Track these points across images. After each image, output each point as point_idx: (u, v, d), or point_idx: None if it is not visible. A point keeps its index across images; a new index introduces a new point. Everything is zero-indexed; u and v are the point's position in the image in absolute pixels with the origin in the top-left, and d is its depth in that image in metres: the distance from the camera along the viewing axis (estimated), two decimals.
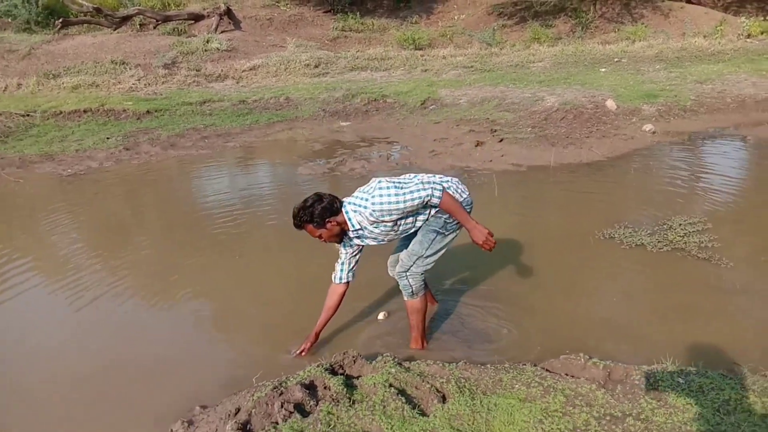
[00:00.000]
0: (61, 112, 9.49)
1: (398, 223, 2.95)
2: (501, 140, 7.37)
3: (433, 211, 2.99)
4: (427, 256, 3.07)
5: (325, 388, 2.75)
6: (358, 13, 16.13)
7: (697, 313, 3.53)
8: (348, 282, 3.22)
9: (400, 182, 2.91)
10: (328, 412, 2.55)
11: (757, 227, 4.76)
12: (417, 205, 2.84)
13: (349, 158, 7.05)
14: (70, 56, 12.51)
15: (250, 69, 12.34)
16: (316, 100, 10.07)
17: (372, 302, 3.77)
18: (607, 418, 2.48)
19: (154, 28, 14.61)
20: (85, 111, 9.59)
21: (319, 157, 7.27)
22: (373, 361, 2.93)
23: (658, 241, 4.37)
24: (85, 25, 14.70)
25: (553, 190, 5.85)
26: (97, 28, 14.55)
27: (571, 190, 5.76)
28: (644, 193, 5.59)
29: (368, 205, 2.85)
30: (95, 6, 14.33)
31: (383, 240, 3.06)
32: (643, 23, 14.66)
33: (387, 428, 2.45)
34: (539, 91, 9.39)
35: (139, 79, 11.45)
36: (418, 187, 2.83)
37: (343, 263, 3.18)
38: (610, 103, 8.38)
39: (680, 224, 4.62)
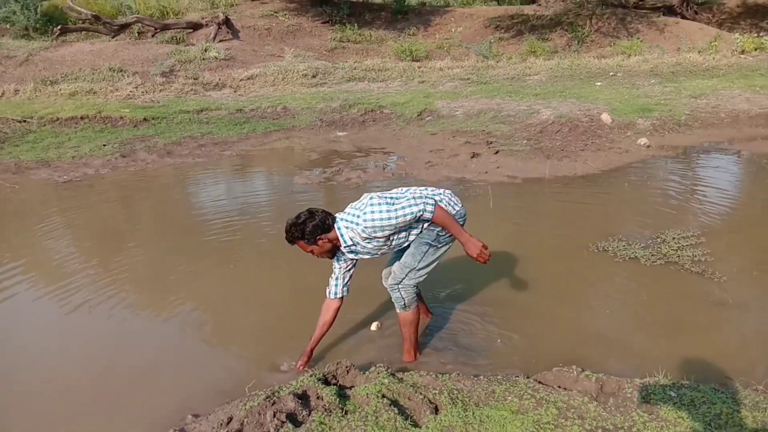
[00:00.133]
0: (58, 119, 9.49)
1: (391, 238, 2.96)
2: (497, 152, 7.41)
3: (426, 225, 2.99)
4: (420, 269, 3.07)
5: (317, 398, 2.75)
6: (356, 24, 16.22)
7: (689, 326, 3.55)
8: (342, 297, 3.21)
9: (392, 198, 2.91)
10: (321, 423, 2.55)
11: (750, 242, 4.79)
12: (409, 220, 2.84)
13: (345, 168, 7.07)
14: (68, 63, 12.53)
15: (248, 78, 12.37)
16: (313, 110, 10.10)
17: (365, 313, 3.77)
18: (599, 431, 2.48)
19: (153, 36, 14.65)
20: (82, 118, 9.59)
21: (316, 166, 7.29)
22: (366, 372, 2.93)
23: (652, 255, 4.39)
24: (84, 32, 14.70)
25: (547, 203, 5.88)
26: (96, 36, 14.58)
27: (566, 203, 5.79)
28: (638, 206, 5.62)
29: (360, 222, 2.85)
30: (94, 14, 14.37)
31: (376, 254, 3.06)
32: (638, 38, 14.80)
33: None
34: (535, 103, 9.45)
35: (136, 87, 11.46)
36: (410, 202, 2.82)
37: (337, 278, 3.17)
38: (605, 117, 8.44)
39: (674, 238, 4.65)
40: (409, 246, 3.08)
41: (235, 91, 11.80)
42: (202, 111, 10.15)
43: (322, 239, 2.92)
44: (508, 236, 4.97)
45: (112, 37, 14.38)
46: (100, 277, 4.49)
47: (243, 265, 4.66)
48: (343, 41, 15.57)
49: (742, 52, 13.38)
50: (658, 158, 7.19)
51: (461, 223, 3.04)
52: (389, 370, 2.91)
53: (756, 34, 14.29)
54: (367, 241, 2.92)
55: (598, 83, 11.13)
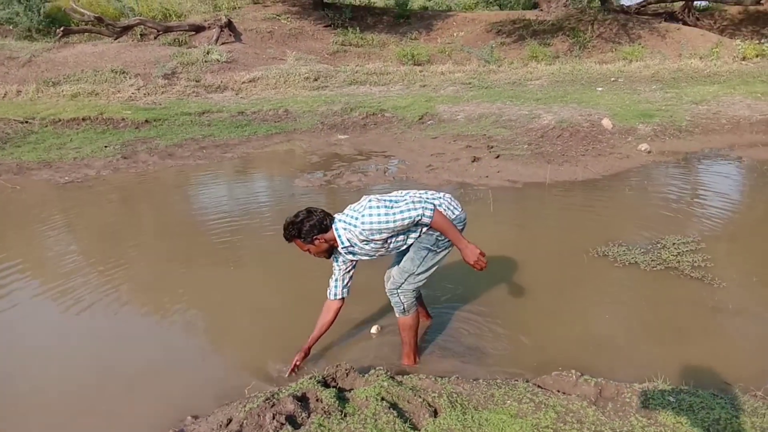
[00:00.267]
0: (59, 120, 9.52)
1: (389, 241, 2.95)
2: (497, 156, 7.42)
3: (425, 229, 2.98)
4: (419, 273, 3.07)
5: (317, 400, 2.75)
6: (358, 28, 16.25)
7: (689, 332, 3.55)
8: (343, 298, 3.21)
9: (391, 201, 2.90)
10: (320, 425, 2.55)
11: (750, 248, 4.80)
12: (407, 224, 2.84)
13: (346, 171, 7.08)
14: (71, 64, 12.56)
15: (250, 81, 12.40)
16: (315, 113, 10.12)
17: (365, 315, 3.78)
18: None
19: (155, 38, 14.68)
20: (83, 119, 9.62)
21: (317, 169, 7.31)
22: (366, 374, 2.93)
23: (652, 260, 4.39)
24: (86, 34, 14.75)
25: (548, 207, 5.89)
26: (98, 38, 14.61)
27: (566, 208, 5.80)
28: (639, 211, 5.63)
29: (358, 224, 2.85)
30: (97, 15, 14.40)
31: (374, 256, 3.05)
32: (640, 44, 14.82)
33: None
34: (536, 108, 9.47)
35: (138, 89, 11.49)
36: (408, 206, 2.82)
37: (336, 280, 3.18)
38: (606, 122, 8.45)
39: (674, 243, 4.65)
40: (408, 249, 3.08)
41: (236, 94, 11.83)
42: (203, 113, 10.18)
43: (318, 239, 2.93)
44: (508, 240, 4.98)
45: (115, 39, 14.41)
46: (99, 278, 4.49)
47: (243, 267, 4.67)
48: (345, 45, 15.60)
49: (744, 58, 13.40)
50: (659, 164, 7.20)
51: (461, 227, 3.04)
52: (389, 373, 2.91)
53: (757, 41, 14.32)
54: (365, 243, 2.92)
55: (600, 88, 11.15)
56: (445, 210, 2.97)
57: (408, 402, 2.71)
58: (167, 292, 4.25)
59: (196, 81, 12.13)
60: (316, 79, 12.58)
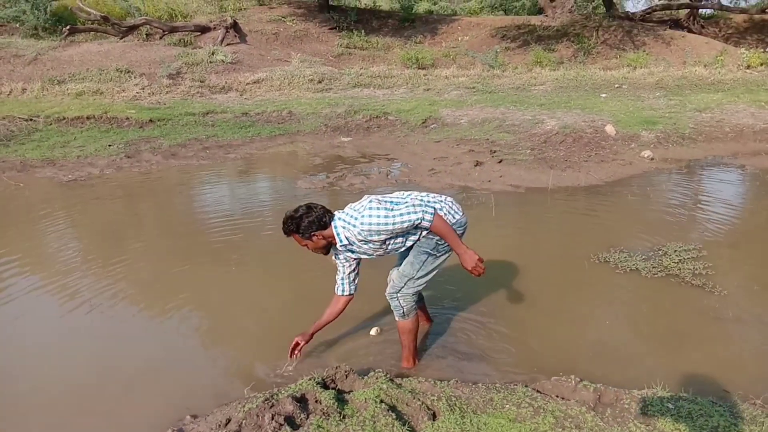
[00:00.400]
0: (64, 118, 9.55)
1: (387, 242, 2.95)
2: (500, 161, 7.42)
3: (424, 232, 2.97)
4: (418, 278, 3.06)
5: (316, 401, 2.75)
6: (363, 30, 16.30)
7: (689, 339, 3.55)
8: (352, 294, 3.20)
9: (391, 203, 2.90)
10: (318, 426, 2.55)
11: (752, 255, 4.79)
12: (406, 227, 2.83)
13: (348, 173, 7.10)
14: (76, 63, 12.61)
15: (254, 82, 12.44)
16: (319, 115, 10.14)
17: (365, 317, 3.78)
18: None
19: (161, 38, 14.74)
20: (88, 118, 9.65)
21: (320, 171, 7.32)
22: (365, 377, 2.93)
23: (653, 267, 4.39)
24: (92, 33, 14.81)
25: (550, 213, 5.88)
26: (104, 37, 14.67)
27: (568, 213, 5.80)
28: (640, 218, 5.63)
29: (357, 224, 2.85)
30: (103, 15, 14.47)
31: (372, 255, 3.05)
32: (644, 51, 14.83)
33: None
34: (540, 114, 9.48)
35: (143, 88, 11.53)
36: (408, 209, 2.81)
37: (342, 277, 3.16)
38: (610, 129, 8.45)
39: (675, 250, 4.65)
40: (407, 251, 3.08)
41: (241, 95, 11.86)
42: (207, 113, 10.21)
43: (317, 236, 2.93)
44: (509, 245, 4.98)
45: (120, 39, 14.47)
46: (100, 276, 4.50)
47: (244, 267, 4.67)
48: (349, 47, 15.65)
49: (748, 67, 13.41)
50: (662, 171, 7.20)
51: (462, 231, 3.04)
52: (388, 376, 2.92)
53: (762, 50, 14.33)
54: (363, 242, 2.92)
55: (603, 95, 11.16)
56: (445, 214, 2.96)
57: (407, 405, 2.71)
58: (168, 291, 4.25)
59: (201, 81, 12.17)
60: (320, 82, 12.62)
